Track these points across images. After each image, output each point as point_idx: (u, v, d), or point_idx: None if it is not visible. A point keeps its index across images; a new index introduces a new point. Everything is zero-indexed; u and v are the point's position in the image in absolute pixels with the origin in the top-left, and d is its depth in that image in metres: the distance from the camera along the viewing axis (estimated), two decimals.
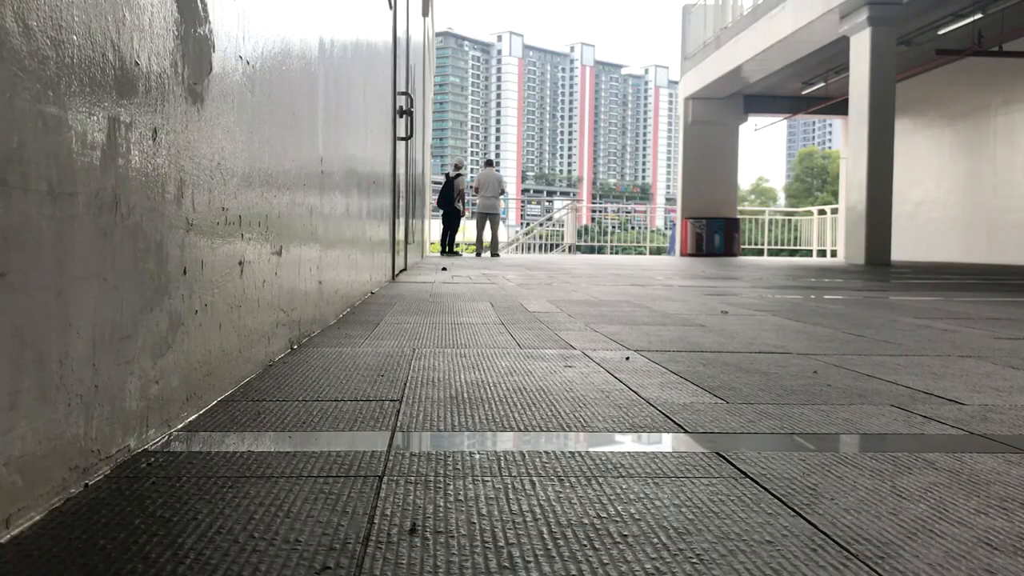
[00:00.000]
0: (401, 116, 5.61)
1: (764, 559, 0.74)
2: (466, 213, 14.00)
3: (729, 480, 0.99)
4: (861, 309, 3.65)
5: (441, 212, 13.89)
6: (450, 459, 1.06)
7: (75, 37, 0.87)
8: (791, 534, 0.81)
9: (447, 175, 13.89)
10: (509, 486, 0.95)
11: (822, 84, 14.67)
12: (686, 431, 1.25)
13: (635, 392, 1.55)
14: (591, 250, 20.28)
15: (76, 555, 0.73)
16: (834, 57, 12.81)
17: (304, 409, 1.35)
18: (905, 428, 1.29)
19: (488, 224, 13.58)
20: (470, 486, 0.95)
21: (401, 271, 6.18)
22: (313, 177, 2.28)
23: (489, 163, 14.18)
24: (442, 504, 0.88)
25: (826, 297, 4.44)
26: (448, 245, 13.96)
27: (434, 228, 17.40)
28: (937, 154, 14.74)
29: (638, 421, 1.31)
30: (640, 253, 20.70)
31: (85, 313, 0.90)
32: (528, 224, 29.52)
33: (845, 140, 15.48)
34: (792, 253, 18.54)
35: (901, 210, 14.00)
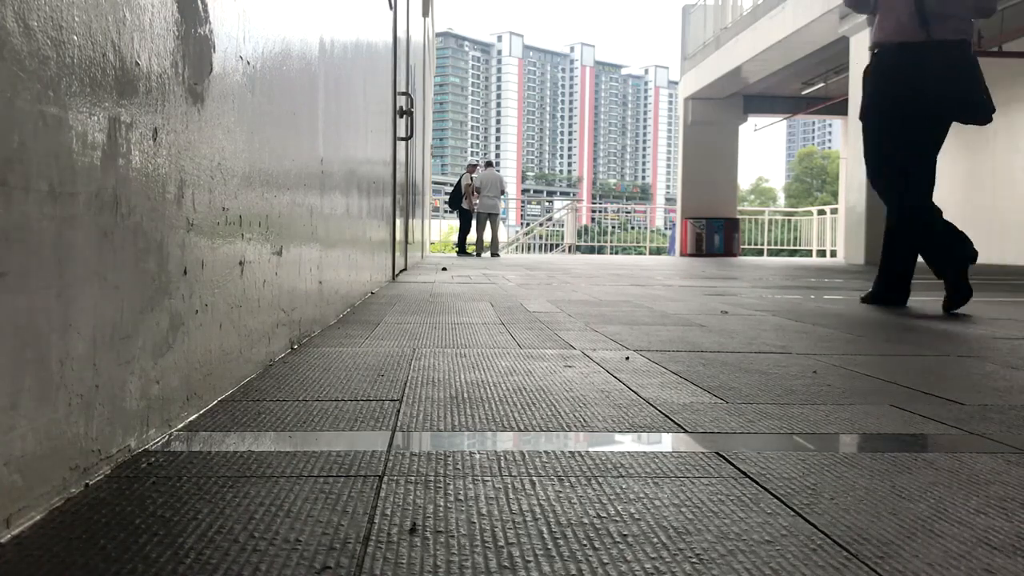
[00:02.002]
0: (401, 116, 5.61)
1: (764, 559, 0.74)
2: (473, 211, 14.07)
3: (729, 480, 0.99)
4: (861, 309, 3.65)
5: (458, 212, 14.06)
6: (450, 459, 1.06)
7: (75, 37, 0.88)
8: (791, 534, 0.81)
9: (460, 178, 14.15)
10: (509, 486, 0.95)
11: (822, 84, 14.68)
12: (686, 431, 1.25)
13: (635, 392, 1.55)
14: (591, 250, 20.28)
15: (77, 555, 0.73)
16: (834, 57, 12.81)
17: (304, 409, 1.35)
18: (905, 428, 1.30)
19: (488, 224, 13.63)
20: (470, 486, 0.95)
21: (401, 271, 6.18)
22: (313, 177, 2.29)
23: (489, 164, 14.27)
24: (442, 504, 0.88)
25: (826, 297, 4.44)
26: (460, 245, 14.07)
27: (434, 229, 17.38)
28: None
29: (638, 421, 1.31)
30: (640, 253, 20.70)
31: (85, 313, 0.90)
32: (528, 224, 29.53)
33: (845, 140, 15.47)
34: (792, 253, 18.54)
35: None
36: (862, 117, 3.70)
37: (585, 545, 0.77)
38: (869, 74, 3.66)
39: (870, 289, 3.92)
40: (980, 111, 3.47)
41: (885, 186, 3.66)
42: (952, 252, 3.48)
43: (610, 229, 21.80)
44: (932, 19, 3.41)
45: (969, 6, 3.47)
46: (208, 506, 0.87)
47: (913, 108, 3.53)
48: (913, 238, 3.62)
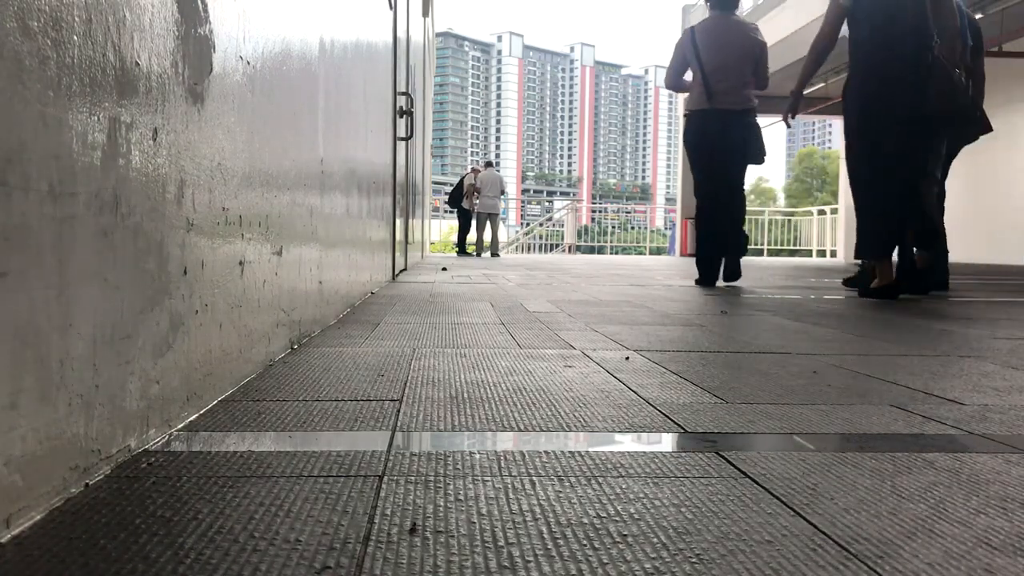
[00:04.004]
0: (401, 116, 5.61)
1: (764, 559, 0.74)
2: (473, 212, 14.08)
3: (729, 480, 0.99)
4: (861, 309, 3.65)
5: (457, 212, 14.13)
6: (450, 459, 1.06)
7: (75, 37, 0.88)
8: (791, 534, 0.81)
9: (462, 177, 14.23)
10: (509, 486, 0.95)
11: (822, 84, 14.66)
12: (686, 431, 1.25)
13: (635, 392, 1.55)
14: (591, 250, 20.28)
15: (77, 555, 0.73)
16: (834, 57, 12.77)
17: (304, 409, 1.35)
18: (905, 428, 1.30)
19: (488, 224, 13.65)
20: (470, 486, 0.95)
21: (401, 271, 6.18)
22: (313, 177, 2.29)
23: (489, 164, 14.30)
24: (442, 504, 0.88)
25: (826, 297, 4.44)
26: (460, 245, 14.09)
27: (434, 229, 17.40)
28: None
29: (638, 421, 1.31)
30: (640, 253, 20.71)
31: (86, 313, 0.90)
32: (528, 224, 29.55)
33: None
34: (792, 253, 18.54)
35: None
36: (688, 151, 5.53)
37: (585, 545, 0.77)
38: (685, 128, 5.57)
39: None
40: (753, 156, 5.35)
41: (702, 201, 5.64)
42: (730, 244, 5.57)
43: (610, 229, 21.79)
44: (715, 96, 5.27)
45: (751, 84, 5.41)
46: (208, 506, 0.87)
47: (709, 151, 5.34)
48: (713, 230, 5.52)
